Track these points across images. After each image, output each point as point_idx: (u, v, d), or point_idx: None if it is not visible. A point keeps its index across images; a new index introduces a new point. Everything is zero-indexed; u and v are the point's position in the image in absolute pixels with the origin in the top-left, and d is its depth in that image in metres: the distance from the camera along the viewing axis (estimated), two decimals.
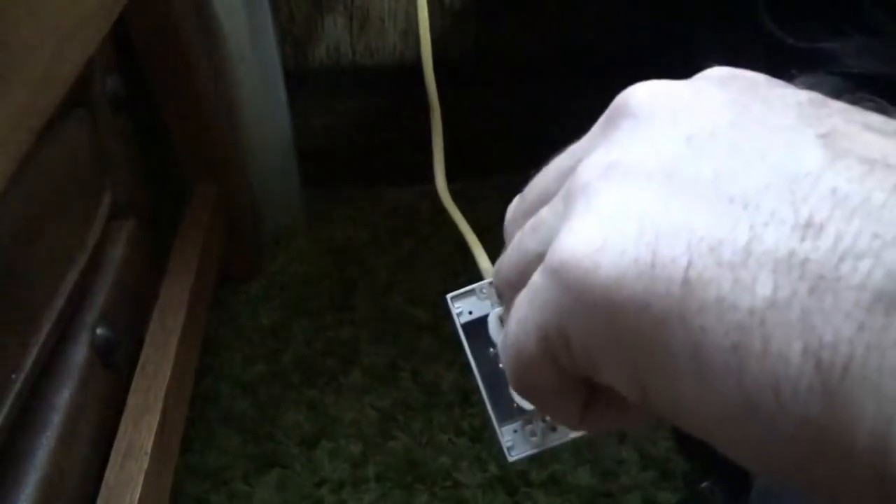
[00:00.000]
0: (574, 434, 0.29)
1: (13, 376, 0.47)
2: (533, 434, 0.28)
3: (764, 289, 0.14)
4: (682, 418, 0.16)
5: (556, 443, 0.29)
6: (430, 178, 0.51)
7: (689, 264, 0.15)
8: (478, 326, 0.30)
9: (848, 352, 0.13)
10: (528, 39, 0.99)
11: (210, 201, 0.81)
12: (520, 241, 0.21)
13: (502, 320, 0.30)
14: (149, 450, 0.56)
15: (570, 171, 0.19)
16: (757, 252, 0.15)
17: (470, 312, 0.30)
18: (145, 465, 0.55)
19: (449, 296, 0.31)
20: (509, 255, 0.22)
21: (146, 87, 0.76)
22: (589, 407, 0.22)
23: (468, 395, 0.84)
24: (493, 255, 0.41)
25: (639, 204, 0.17)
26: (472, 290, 0.32)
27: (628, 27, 0.94)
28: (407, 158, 1.07)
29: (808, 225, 0.14)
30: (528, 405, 0.29)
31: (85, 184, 0.60)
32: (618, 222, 0.17)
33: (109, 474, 0.54)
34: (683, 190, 0.16)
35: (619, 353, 0.17)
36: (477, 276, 0.37)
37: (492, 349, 0.30)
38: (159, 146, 0.80)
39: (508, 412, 0.29)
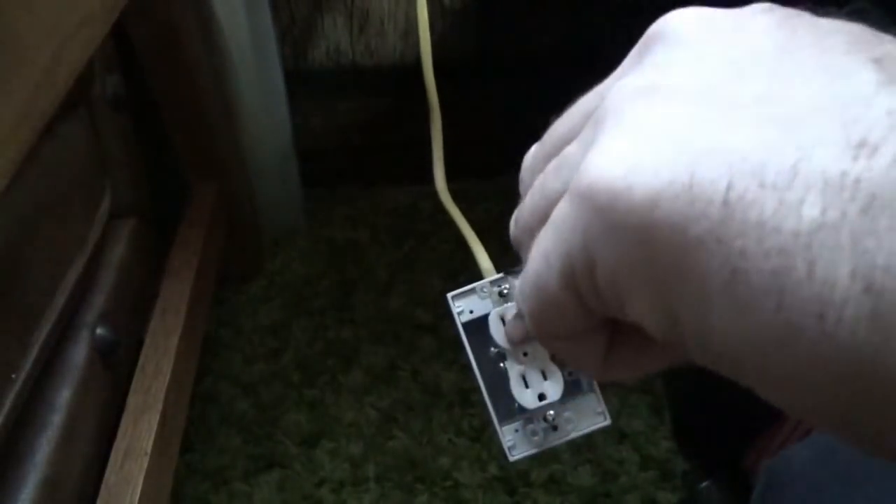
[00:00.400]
0: (575, 432, 0.29)
1: (13, 376, 0.47)
2: (534, 433, 0.28)
3: (811, 210, 0.13)
4: (712, 351, 0.16)
5: (557, 442, 0.29)
6: (430, 178, 0.51)
7: (730, 186, 0.14)
8: (478, 325, 0.30)
9: None
10: (529, 39, 0.99)
11: (210, 201, 0.81)
12: (542, 183, 0.20)
13: (503, 319, 0.30)
14: (149, 450, 0.56)
15: (598, 107, 0.18)
16: (804, 172, 0.14)
17: (471, 311, 0.30)
18: (145, 465, 0.55)
19: (449, 295, 0.31)
20: (529, 201, 0.21)
21: (146, 87, 0.76)
22: (611, 351, 0.21)
23: (468, 395, 0.84)
24: (493, 255, 0.41)
25: (675, 124, 0.16)
26: (473, 289, 0.31)
27: (632, 27, 0.94)
28: (407, 158, 1.07)
29: (862, 145, 0.14)
30: (529, 404, 0.29)
31: (85, 184, 0.60)
32: (652, 142, 0.16)
33: (109, 474, 0.54)
34: (724, 110, 0.16)
35: (650, 280, 0.16)
36: (477, 275, 0.37)
37: (493, 348, 0.30)
38: (159, 146, 0.80)
39: (509, 411, 0.29)
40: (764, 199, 0.14)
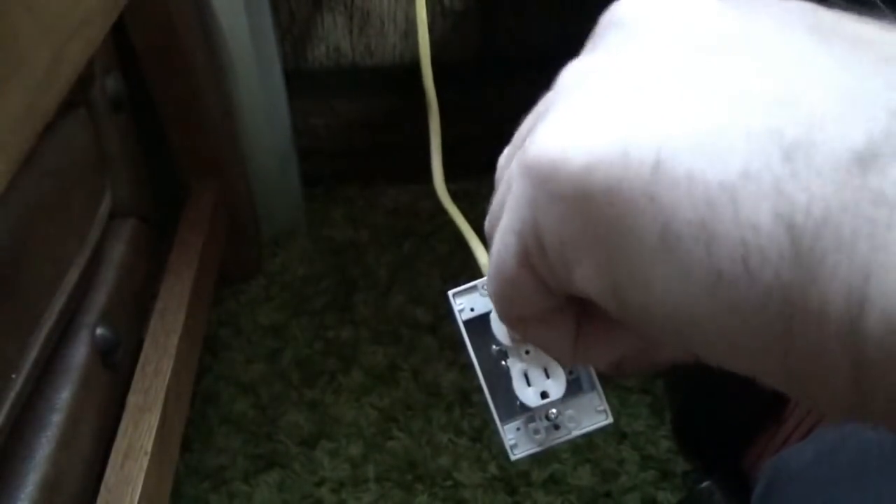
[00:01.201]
0: (577, 431, 0.29)
1: (13, 376, 0.47)
2: (536, 432, 0.28)
3: (736, 162, 0.14)
4: (652, 311, 0.16)
5: (559, 440, 0.29)
6: (431, 177, 0.51)
7: (661, 147, 0.15)
8: (480, 323, 0.30)
9: (822, 212, 0.13)
10: (529, 39, 0.99)
11: (210, 201, 0.81)
12: (508, 176, 0.21)
13: None
14: (149, 450, 0.56)
15: None
16: (731, 129, 0.14)
17: (472, 309, 0.30)
18: (145, 465, 0.55)
19: (450, 292, 0.31)
20: (498, 193, 0.22)
21: (146, 87, 0.76)
22: (581, 334, 0.21)
23: (468, 395, 0.84)
24: None
25: (614, 99, 0.17)
26: (475, 287, 0.31)
27: None
28: (407, 158, 1.07)
29: (785, 98, 0.14)
30: (531, 402, 0.29)
31: (85, 184, 0.60)
32: (590, 115, 0.17)
33: (109, 474, 0.54)
34: (661, 84, 0.16)
35: (591, 245, 0.16)
36: (477, 274, 0.37)
37: (494, 346, 0.29)
38: (159, 146, 0.80)
39: (511, 410, 0.29)
40: (693, 157, 0.15)
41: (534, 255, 0.18)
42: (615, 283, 0.16)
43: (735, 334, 0.15)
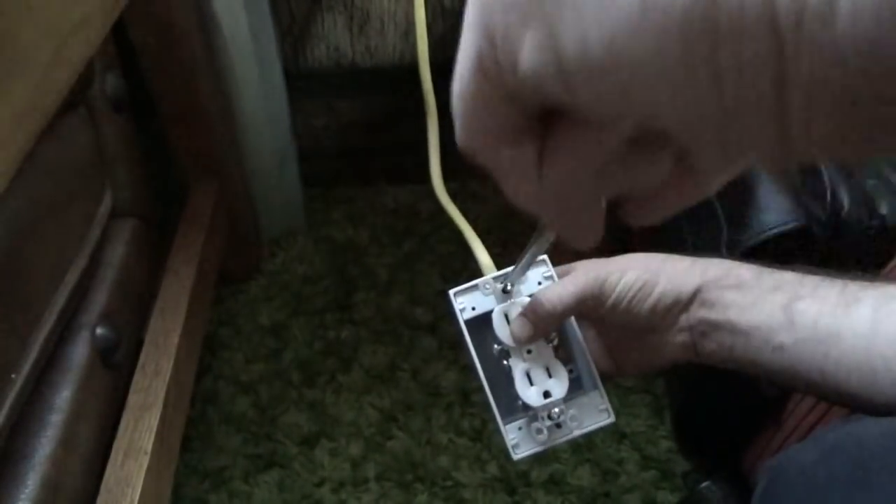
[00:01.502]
0: (579, 430, 0.29)
1: (13, 376, 0.47)
2: (539, 431, 0.28)
3: None
4: (592, 71, 0.17)
5: (561, 439, 0.29)
6: (430, 177, 0.51)
7: None
8: (481, 323, 0.30)
9: None
10: None
11: (210, 201, 0.81)
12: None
13: (507, 317, 0.30)
14: (149, 449, 0.56)
15: None
16: None
17: (473, 308, 0.30)
18: (145, 465, 0.55)
19: (451, 291, 0.31)
20: None
21: (146, 87, 0.76)
22: (543, 152, 0.22)
23: (468, 395, 0.84)
24: (493, 252, 0.41)
25: None
26: (476, 286, 0.31)
27: None
28: (407, 158, 1.07)
29: None
30: (534, 401, 0.28)
31: (85, 184, 0.60)
32: None
33: (109, 474, 0.54)
34: None
35: (534, 18, 0.18)
36: (477, 273, 0.37)
37: (496, 345, 0.29)
38: (159, 146, 0.80)
39: (512, 409, 0.29)
40: None
41: (486, 58, 0.20)
42: (556, 49, 0.18)
43: (667, 64, 0.16)
